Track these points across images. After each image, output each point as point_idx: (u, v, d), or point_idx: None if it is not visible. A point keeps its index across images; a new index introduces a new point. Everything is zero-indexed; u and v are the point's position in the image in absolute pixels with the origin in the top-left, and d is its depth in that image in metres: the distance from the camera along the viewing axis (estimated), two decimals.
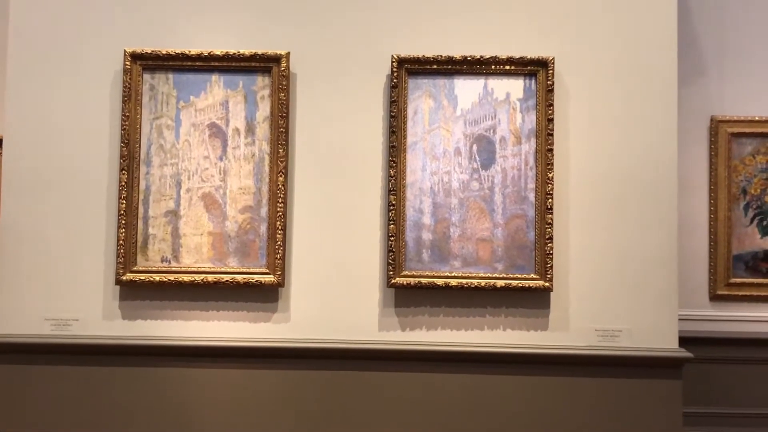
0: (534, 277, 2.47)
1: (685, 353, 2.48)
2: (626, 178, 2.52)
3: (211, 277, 2.48)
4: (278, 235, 2.48)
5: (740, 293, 3.44)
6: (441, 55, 2.50)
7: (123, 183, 2.48)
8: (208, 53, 2.50)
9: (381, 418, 2.50)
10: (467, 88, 2.52)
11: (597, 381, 2.48)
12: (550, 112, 2.48)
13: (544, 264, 2.46)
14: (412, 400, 2.50)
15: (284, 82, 2.50)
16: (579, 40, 2.55)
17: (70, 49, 2.56)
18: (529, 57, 2.49)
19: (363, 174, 2.54)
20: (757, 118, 3.50)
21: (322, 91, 2.56)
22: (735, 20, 3.50)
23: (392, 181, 2.48)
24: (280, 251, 2.48)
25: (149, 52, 2.51)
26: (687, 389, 2.69)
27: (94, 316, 2.52)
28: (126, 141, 2.49)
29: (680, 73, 2.64)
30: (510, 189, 2.50)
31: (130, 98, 2.50)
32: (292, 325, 2.52)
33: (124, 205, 2.48)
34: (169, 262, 2.51)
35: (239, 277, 2.48)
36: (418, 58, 2.50)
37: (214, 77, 2.54)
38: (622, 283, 2.51)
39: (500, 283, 2.47)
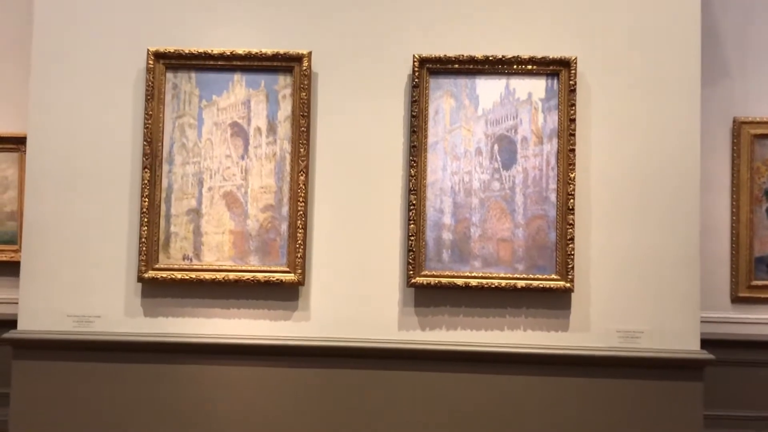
0: (555, 277, 2.46)
1: (706, 355, 2.46)
2: (648, 179, 2.51)
3: (232, 276, 2.49)
4: (299, 234, 2.48)
5: (762, 296, 3.41)
6: (462, 55, 2.50)
7: (146, 181, 2.50)
8: (231, 52, 2.52)
9: (400, 418, 2.50)
10: (489, 88, 2.52)
11: (618, 382, 2.47)
12: (572, 112, 2.47)
13: (565, 265, 2.45)
14: (432, 399, 2.50)
15: (306, 82, 2.51)
16: (602, 40, 2.54)
17: (93, 48, 2.58)
18: (551, 57, 2.48)
19: (383, 173, 2.54)
20: None
21: (343, 91, 2.56)
22: (758, 20, 3.46)
23: (413, 180, 2.48)
24: (300, 250, 2.48)
25: (172, 51, 2.52)
26: (708, 392, 2.66)
27: (117, 313, 2.54)
28: (149, 139, 2.50)
29: (703, 73, 2.61)
30: (531, 189, 2.49)
31: (153, 97, 2.52)
32: (312, 324, 2.53)
33: (146, 203, 2.49)
34: (191, 260, 2.52)
35: (260, 276, 2.49)
36: (440, 57, 2.50)
37: (236, 76, 2.55)
38: (643, 285, 2.49)
39: (521, 283, 2.46)
